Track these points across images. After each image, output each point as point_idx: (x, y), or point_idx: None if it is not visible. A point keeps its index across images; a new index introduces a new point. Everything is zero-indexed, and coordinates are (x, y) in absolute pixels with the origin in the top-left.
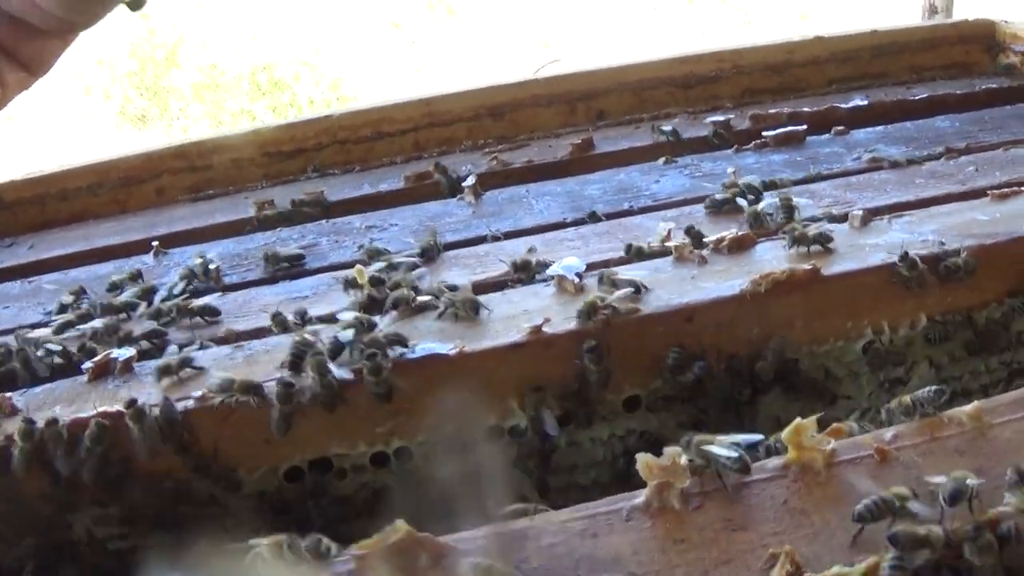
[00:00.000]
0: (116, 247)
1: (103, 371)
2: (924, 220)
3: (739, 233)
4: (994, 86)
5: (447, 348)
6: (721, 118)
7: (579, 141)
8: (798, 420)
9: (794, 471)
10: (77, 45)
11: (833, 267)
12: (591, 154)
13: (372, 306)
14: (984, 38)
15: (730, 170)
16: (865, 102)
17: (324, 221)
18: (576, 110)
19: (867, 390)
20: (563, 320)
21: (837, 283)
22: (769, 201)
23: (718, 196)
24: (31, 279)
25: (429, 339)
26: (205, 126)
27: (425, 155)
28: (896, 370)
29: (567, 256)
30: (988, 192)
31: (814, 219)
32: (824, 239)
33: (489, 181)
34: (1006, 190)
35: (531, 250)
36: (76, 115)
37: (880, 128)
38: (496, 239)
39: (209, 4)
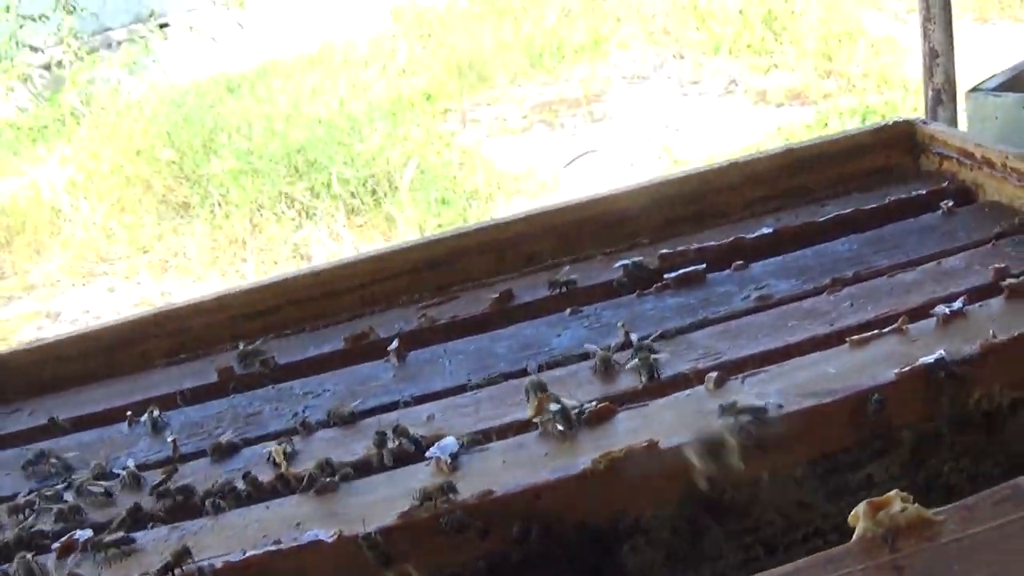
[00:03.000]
0: (98, 414)
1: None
2: (776, 377)
3: (597, 405)
4: (904, 196)
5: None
6: (629, 261)
7: (497, 295)
8: None
9: None
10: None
11: (673, 439)
12: (510, 306)
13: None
14: (905, 140)
15: (619, 323)
16: (771, 230)
17: (271, 387)
18: (506, 257)
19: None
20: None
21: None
22: (633, 362)
23: (597, 356)
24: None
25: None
26: (244, 212)
27: (370, 312)
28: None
29: (459, 424)
30: (847, 339)
31: (678, 377)
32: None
33: (417, 339)
34: (865, 335)
35: (430, 418)
36: (119, 206)
37: (779, 259)
38: (407, 404)
39: (242, 89)
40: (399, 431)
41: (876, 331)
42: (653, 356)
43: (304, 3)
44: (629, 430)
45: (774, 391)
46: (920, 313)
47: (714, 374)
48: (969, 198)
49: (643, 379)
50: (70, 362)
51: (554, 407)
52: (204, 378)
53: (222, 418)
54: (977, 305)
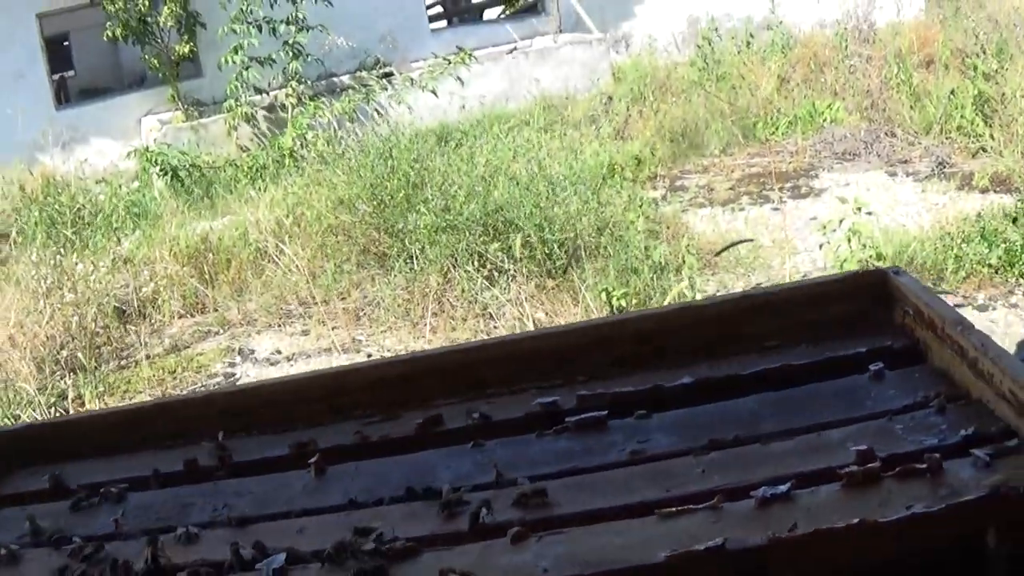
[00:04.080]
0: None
1: None
2: (568, 539)
3: (404, 544)
4: (842, 353)
5: None
6: (548, 399)
7: (424, 419)
8: None
9: None
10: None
11: None
12: (434, 431)
13: None
14: (877, 290)
15: (492, 463)
16: (690, 380)
17: (213, 483)
18: (457, 383)
19: None
20: None
21: None
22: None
23: (444, 497)
24: None
25: None
26: (438, 268)
27: (331, 423)
28: None
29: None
30: (656, 511)
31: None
32: None
33: (345, 454)
34: (676, 508)
35: (302, 531)
36: (321, 252)
37: (682, 412)
38: (294, 516)
39: (451, 144)
40: (256, 545)
41: (689, 506)
42: (483, 503)
43: (526, 61)
44: (422, 569)
45: (552, 555)
46: (745, 492)
47: (514, 529)
48: (920, 359)
49: (467, 524)
50: (85, 438)
51: (366, 546)
52: (174, 466)
53: (165, 504)
54: (809, 490)
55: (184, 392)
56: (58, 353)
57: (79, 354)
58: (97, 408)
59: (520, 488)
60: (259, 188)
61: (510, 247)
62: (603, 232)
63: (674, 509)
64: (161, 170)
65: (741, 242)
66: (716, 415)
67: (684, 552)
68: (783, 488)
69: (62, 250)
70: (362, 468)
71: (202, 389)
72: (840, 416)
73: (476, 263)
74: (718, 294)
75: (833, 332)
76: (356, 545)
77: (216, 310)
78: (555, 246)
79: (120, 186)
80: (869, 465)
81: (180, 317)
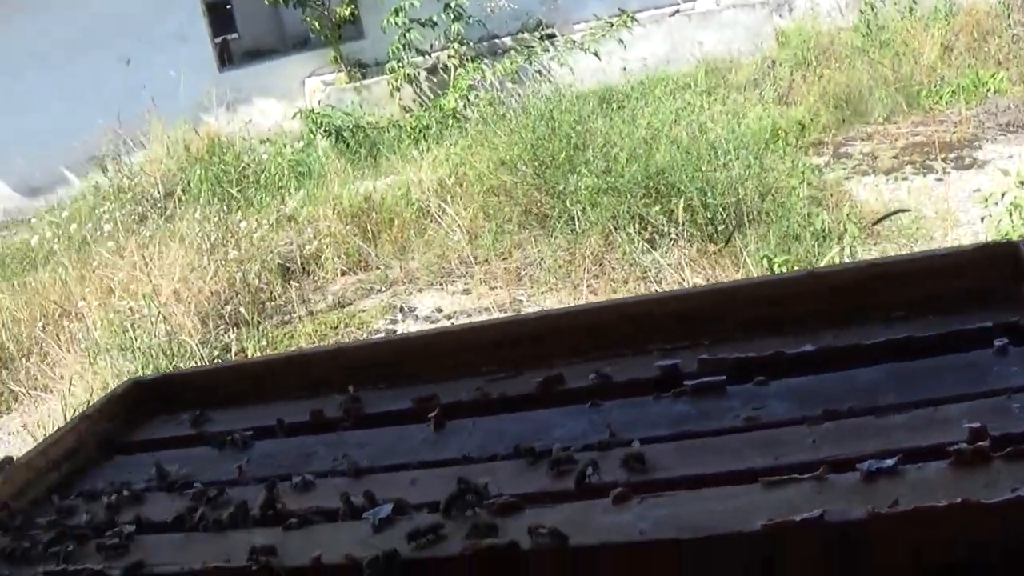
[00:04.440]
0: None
1: None
2: (670, 503)
3: (507, 499)
4: (970, 327)
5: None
6: (668, 362)
7: (545, 378)
8: None
9: None
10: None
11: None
12: (554, 390)
13: None
14: (1009, 263)
15: (607, 423)
16: (812, 348)
17: (336, 433)
18: (582, 342)
19: None
20: None
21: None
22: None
23: (552, 454)
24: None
25: None
26: (599, 230)
27: (452, 379)
28: None
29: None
30: (760, 479)
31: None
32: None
33: (465, 410)
34: (780, 477)
35: (413, 482)
36: (482, 212)
37: (801, 379)
38: (409, 468)
39: (612, 105)
40: (367, 494)
41: (795, 475)
42: (590, 462)
43: (688, 24)
44: (523, 526)
45: (652, 517)
46: (851, 464)
47: (617, 490)
48: None
49: (573, 483)
50: (222, 387)
51: (469, 497)
52: (301, 416)
53: (289, 452)
54: (916, 466)
55: (313, 346)
56: (222, 308)
57: (242, 309)
58: (232, 360)
59: (629, 450)
60: (422, 148)
61: (671, 211)
62: (765, 198)
63: (779, 478)
64: (325, 131)
65: (899, 212)
66: (835, 385)
67: (780, 522)
68: (889, 462)
69: (226, 208)
70: (479, 424)
71: (331, 343)
72: (959, 391)
73: (637, 226)
74: (840, 263)
75: (962, 305)
76: (465, 498)
77: (378, 268)
78: (717, 211)
79: (284, 146)
80: (979, 444)
81: (343, 274)
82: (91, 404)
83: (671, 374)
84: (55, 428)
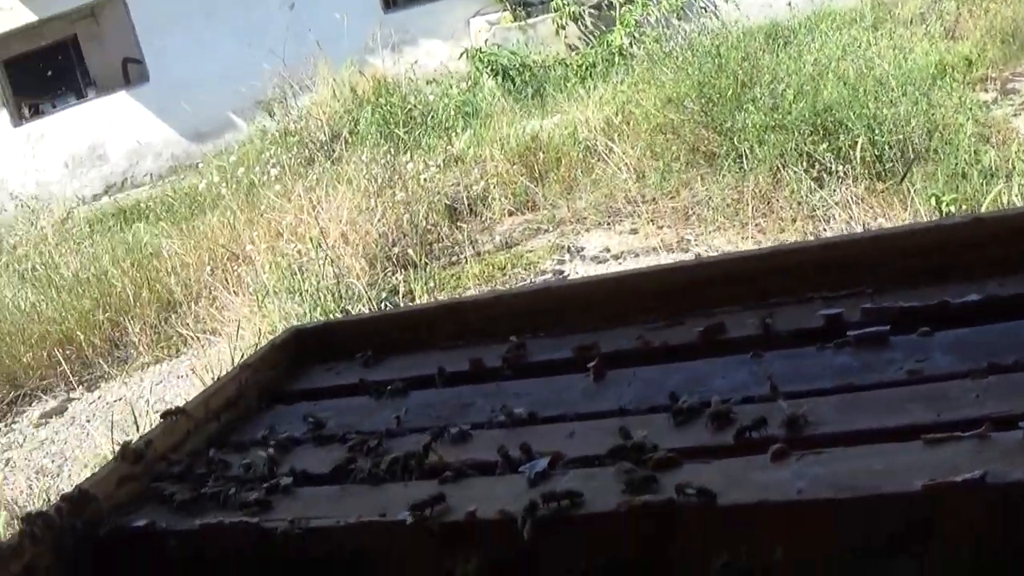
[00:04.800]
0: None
1: None
2: (829, 460)
3: (665, 454)
4: None
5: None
6: (831, 311)
7: (705, 327)
8: None
9: None
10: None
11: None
12: (716, 339)
13: None
14: None
15: (768, 376)
16: (978, 297)
17: (495, 384)
18: (741, 291)
19: None
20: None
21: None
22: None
23: (712, 408)
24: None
25: None
26: (767, 168)
27: (611, 327)
28: None
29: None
30: (923, 437)
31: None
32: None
33: (626, 359)
34: (941, 435)
35: (571, 435)
36: (649, 151)
37: (967, 331)
38: (567, 419)
39: (779, 42)
40: (523, 447)
41: (957, 433)
42: (757, 419)
43: None
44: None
45: (810, 475)
46: (1014, 422)
47: (776, 446)
48: None
49: (732, 438)
50: (379, 336)
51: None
52: (459, 366)
53: (447, 402)
54: None
55: (471, 295)
56: (389, 250)
57: (409, 251)
58: (391, 308)
59: (791, 403)
60: (588, 87)
61: (839, 148)
62: (932, 135)
63: (941, 436)
64: (491, 70)
65: None
66: (1001, 336)
67: (941, 483)
68: None
69: (393, 149)
70: (639, 374)
71: (490, 291)
72: None
73: (804, 164)
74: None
75: None
76: (623, 453)
77: (545, 208)
78: (884, 148)
79: (450, 86)
80: None
81: (510, 215)
82: (252, 353)
83: (835, 323)
84: (223, 372)
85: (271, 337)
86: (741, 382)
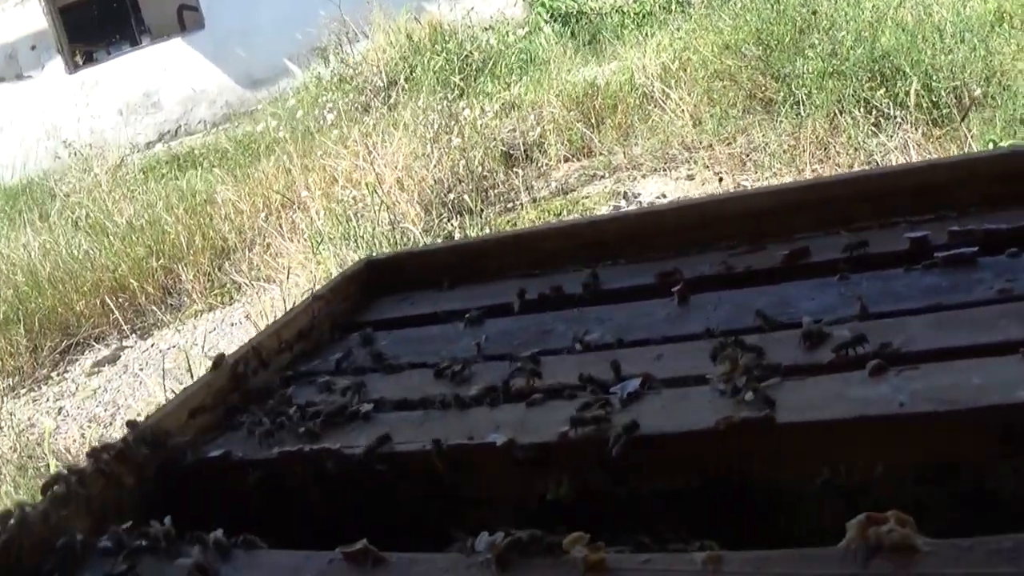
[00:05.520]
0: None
1: None
2: (927, 375)
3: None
4: None
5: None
6: (918, 234)
7: (790, 252)
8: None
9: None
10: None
11: (791, 416)
12: (799, 264)
13: None
14: None
15: (858, 296)
16: None
17: (576, 310)
18: (824, 217)
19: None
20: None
21: (789, 431)
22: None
23: (804, 327)
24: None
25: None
26: (825, 114)
27: (690, 254)
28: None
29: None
30: (1022, 351)
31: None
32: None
33: (709, 284)
34: None
35: (659, 357)
36: (706, 97)
37: None
38: (654, 343)
39: None
40: (613, 366)
41: None
42: (856, 337)
43: None
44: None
45: (909, 390)
46: None
47: (874, 362)
48: None
49: (829, 355)
50: (448, 266)
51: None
52: (537, 293)
53: (527, 329)
54: None
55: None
56: (445, 196)
57: (465, 197)
58: (461, 239)
59: (884, 323)
60: (645, 33)
61: (895, 95)
62: (991, 81)
63: None
64: (550, 16)
65: None
66: None
67: None
68: None
69: (449, 96)
70: (725, 298)
71: (565, 219)
72: None
73: (862, 110)
74: None
75: None
76: (728, 352)
77: (602, 154)
78: (941, 94)
79: (507, 33)
80: None
81: (566, 161)
82: (323, 285)
83: (921, 246)
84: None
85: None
86: (830, 304)
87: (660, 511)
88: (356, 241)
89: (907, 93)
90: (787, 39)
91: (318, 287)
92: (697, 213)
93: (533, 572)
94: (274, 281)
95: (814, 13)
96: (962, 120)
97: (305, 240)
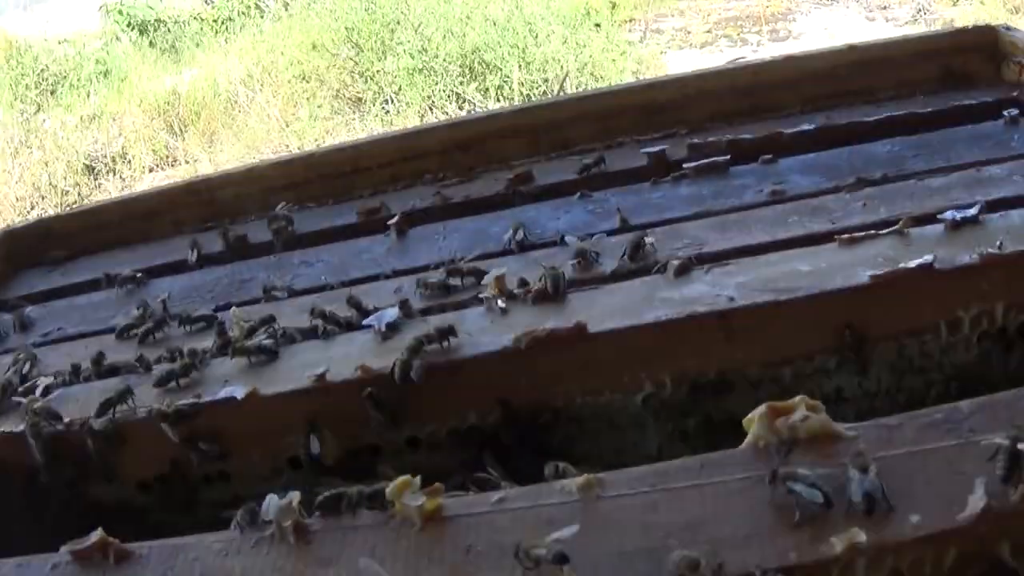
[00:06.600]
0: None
1: None
2: (744, 269)
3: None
4: (968, 102)
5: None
6: (655, 149)
7: (513, 175)
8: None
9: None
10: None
11: (603, 324)
12: (524, 188)
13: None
14: (986, 47)
15: (614, 211)
16: (812, 126)
17: (272, 256)
18: (539, 141)
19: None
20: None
21: (606, 340)
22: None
23: (573, 246)
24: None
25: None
26: (415, 110)
27: (393, 190)
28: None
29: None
30: (836, 237)
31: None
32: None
33: (425, 216)
34: (857, 235)
35: (397, 290)
36: (293, 100)
37: (811, 156)
38: (389, 277)
39: None
40: (351, 301)
41: (871, 232)
42: (640, 237)
43: None
44: (568, 312)
45: (732, 284)
46: (930, 218)
47: (676, 262)
48: None
49: (610, 268)
50: (110, 228)
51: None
52: (216, 246)
53: (219, 282)
54: (997, 214)
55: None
56: (27, 214)
57: (51, 212)
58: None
59: (655, 232)
60: (226, 39)
61: (486, 88)
62: (583, 72)
63: (856, 235)
64: (128, 25)
65: None
66: (852, 157)
67: (892, 271)
68: (972, 211)
69: (28, 110)
70: (452, 227)
71: (248, 162)
72: (991, 155)
73: (455, 104)
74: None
75: (946, 86)
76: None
77: (187, 162)
78: (534, 86)
79: (84, 44)
80: None
81: (151, 171)
82: None
83: (660, 160)
84: None
85: None
86: (583, 221)
87: (455, 454)
88: None
89: (499, 87)
90: (378, 38)
91: None
92: (396, 145)
93: (348, 539)
94: None
95: (404, 12)
96: None
97: None
